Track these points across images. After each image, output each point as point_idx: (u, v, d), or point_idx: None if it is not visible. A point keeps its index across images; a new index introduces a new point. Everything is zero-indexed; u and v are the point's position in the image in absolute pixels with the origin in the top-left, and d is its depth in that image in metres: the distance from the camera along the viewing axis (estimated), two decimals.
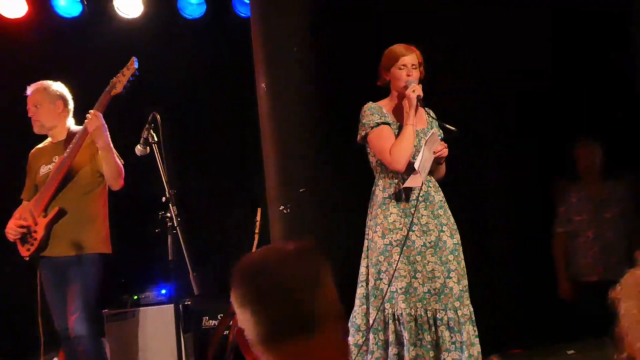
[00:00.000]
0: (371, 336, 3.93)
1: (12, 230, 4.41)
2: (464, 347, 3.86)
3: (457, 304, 3.88)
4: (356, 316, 3.99)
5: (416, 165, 3.84)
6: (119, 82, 4.30)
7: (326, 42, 5.01)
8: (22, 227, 4.39)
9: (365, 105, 4.10)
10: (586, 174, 5.49)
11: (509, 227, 5.76)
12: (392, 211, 3.96)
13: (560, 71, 5.75)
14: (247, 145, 5.29)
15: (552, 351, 4.40)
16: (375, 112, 4.06)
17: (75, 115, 4.59)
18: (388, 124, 4.03)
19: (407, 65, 4.00)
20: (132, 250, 5.37)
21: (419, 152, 3.88)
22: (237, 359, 4.79)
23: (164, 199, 3.80)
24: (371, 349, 3.93)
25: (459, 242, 3.99)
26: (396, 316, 3.88)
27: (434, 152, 3.91)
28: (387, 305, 3.90)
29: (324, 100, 4.80)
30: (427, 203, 3.97)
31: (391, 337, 3.89)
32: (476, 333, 3.91)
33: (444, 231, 3.96)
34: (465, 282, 3.95)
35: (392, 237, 3.92)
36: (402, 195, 3.97)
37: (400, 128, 3.99)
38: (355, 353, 3.95)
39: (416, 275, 3.89)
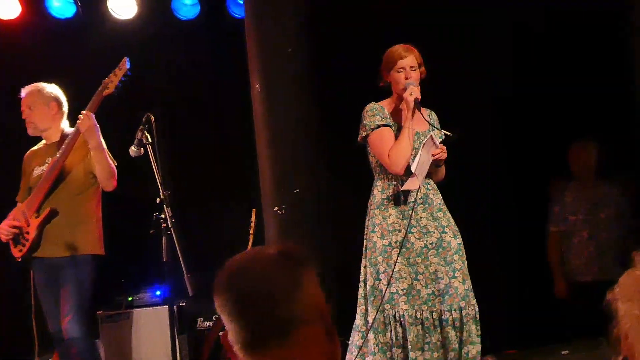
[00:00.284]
0: (371, 336, 3.93)
1: (4, 230, 4.40)
2: (462, 344, 3.88)
3: (462, 303, 3.90)
4: (356, 316, 4.00)
5: (412, 168, 3.85)
6: (111, 83, 4.30)
7: (320, 42, 5.01)
8: (14, 227, 4.38)
9: (368, 106, 4.10)
10: (581, 174, 5.50)
11: (502, 227, 5.76)
12: (390, 212, 3.97)
13: (557, 71, 5.76)
14: (242, 146, 5.28)
15: (546, 351, 4.42)
16: (376, 113, 4.06)
17: (69, 117, 4.58)
18: (389, 125, 4.03)
19: (406, 68, 4.00)
20: (127, 251, 5.36)
21: (418, 154, 3.89)
22: None
23: (158, 200, 3.80)
24: (372, 350, 3.94)
25: (462, 242, 4.00)
26: (397, 317, 3.89)
27: (432, 154, 3.91)
28: (387, 307, 3.90)
29: (318, 101, 4.80)
30: (426, 205, 3.99)
31: (392, 339, 3.90)
32: (478, 332, 3.93)
33: (446, 232, 3.97)
34: (469, 281, 3.96)
35: (391, 239, 3.93)
36: (400, 197, 3.97)
37: (400, 130, 4.00)
38: (355, 354, 3.96)
39: (418, 277, 3.90)
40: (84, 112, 4.28)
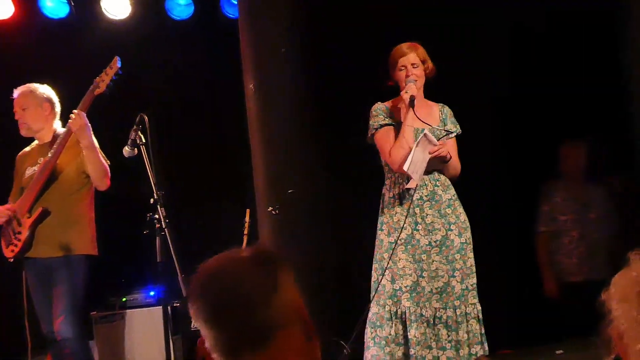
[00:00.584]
0: (367, 330, 3.95)
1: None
2: (460, 345, 3.89)
3: (457, 302, 3.92)
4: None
5: (405, 167, 3.86)
6: (102, 82, 4.29)
7: (314, 42, 5.00)
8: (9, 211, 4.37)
9: (374, 106, 4.17)
10: (571, 174, 5.52)
11: (499, 227, 5.77)
12: (397, 210, 4.01)
13: (553, 71, 5.78)
14: (236, 146, 5.28)
15: (540, 351, 4.42)
16: (380, 113, 4.12)
17: (62, 117, 4.57)
18: (392, 124, 4.07)
19: (407, 65, 4.05)
20: (121, 252, 5.35)
21: (411, 153, 3.90)
22: None
23: (152, 200, 3.79)
24: (367, 344, 3.96)
25: (469, 240, 4.01)
26: (399, 314, 3.90)
27: (430, 152, 3.92)
28: (389, 302, 3.93)
29: (312, 101, 4.80)
30: (433, 202, 4.00)
31: (392, 335, 3.90)
32: (482, 331, 3.94)
33: (451, 230, 3.99)
34: (471, 280, 3.98)
35: (396, 236, 3.96)
36: (405, 195, 4.01)
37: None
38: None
39: (423, 274, 3.93)
40: (75, 111, 4.27)
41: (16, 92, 4.51)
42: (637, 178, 5.43)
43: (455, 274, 3.95)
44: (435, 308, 3.92)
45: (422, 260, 3.94)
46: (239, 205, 5.28)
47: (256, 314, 1.42)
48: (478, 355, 3.91)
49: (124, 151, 3.93)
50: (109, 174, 4.37)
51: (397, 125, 4.07)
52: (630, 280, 1.42)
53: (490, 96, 5.78)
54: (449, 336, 3.90)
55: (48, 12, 5.75)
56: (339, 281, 5.23)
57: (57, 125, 4.55)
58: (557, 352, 4.75)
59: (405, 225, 3.96)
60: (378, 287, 3.97)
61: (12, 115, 4.53)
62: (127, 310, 5.29)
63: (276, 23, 4.63)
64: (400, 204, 4.01)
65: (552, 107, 5.84)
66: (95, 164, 4.30)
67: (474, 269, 4.00)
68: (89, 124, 4.27)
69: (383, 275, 3.96)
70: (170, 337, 3.94)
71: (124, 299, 5.35)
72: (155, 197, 3.78)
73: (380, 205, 4.12)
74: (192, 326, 5.32)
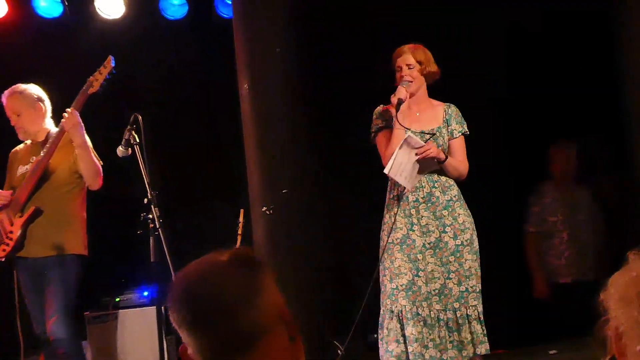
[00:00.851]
0: (379, 331, 4.01)
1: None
2: (463, 346, 3.90)
3: (456, 305, 3.93)
4: None
5: (385, 170, 3.89)
6: (96, 81, 4.28)
7: (309, 42, 5.00)
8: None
9: (375, 109, 4.18)
10: (560, 175, 5.54)
11: (493, 227, 5.78)
12: (395, 211, 4.02)
13: (549, 72, 5.79)
14: (230, 146, 5.27)
15: (534, 351, 4.43)
16: (378, 116, 4.15)
17: (55, 116, 4.55)
18: (390, 128, 4.07)
19: (402, 66, 4.05)
20: (114, 252, 5.34)
21: (394, 155, 3.92)
22: None
23: (145, 200, 3.79)
24: (379, 345, 4.01)
25: (466, 242, 3.98)
26: (396, 312, 3.92)
27: (416, 154, 3.92)
28: (387, 301, 3.96)
29: (306, 101, 4.80)
30: (429, 204, 4.00)
31: (385, 333, 3.92)
32: (484, 332, 3.95)
33: (446, 232, 3.98)
34: (471, 282, 3.96)
35: (393, 236, 3.98)
36: (403, 196, 4.01)
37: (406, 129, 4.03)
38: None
39: (419, 274, 3.93)
40: (68, 110, 4.26)
41: (4, 98, 4.46)
42: (630, 178, 5.45)
43: (451, 276, 3.95)
44: (437, 310, 3.93)
45: (418, 260, 3.94)
46: (233, 205, 5.28)
47: (240, 318, 1.39)
48: (476, 355, 3.92)
49: (117, 151, 3.92)
50: (102, 173, 4.35)
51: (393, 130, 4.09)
52: (630, 281, 1.41)
53: (486, 97, 5.79)
54: (450, 337, 3.92)
55: (42, 11, 5.73)
56: (334, 281, 5.23)
57: (50, 124, 4.53)
58: (551, 352, 4.76)
59: (401, 225, 3.96)
60: (381, 287, 4.01)
61: (5, 113, 4.50)
62: (121, 310, 5.27)
63: (270, 23, 4.63)
64: (398, 204, 4.02)
65: (548, 107, 5.85)
66: (87, 163, 4.29)
67: (473, 270, 3.97)
68: (82, 123, 4.26)
69: (385, 275, 3.99)
70: (163, 337, 3.93)
71: (117, 299, 5.34)
72: (149, 197, 3.78)
73: (385, 206, 4.15)
74: None
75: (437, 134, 4.07)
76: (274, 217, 4.52)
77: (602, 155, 5.75)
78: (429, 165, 4.00)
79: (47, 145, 4.32)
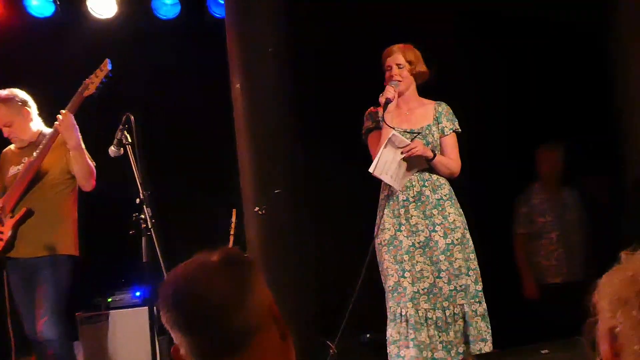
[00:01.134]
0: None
1: None
2: (451, 346, 3.91)
3: (445, 303, 3.93)
4: None
5: (370, 169, 3.90)
6: (92, 83, 4.27)
7: (301, 42, 5.00)
8: None
9: (367, 111, 4.19)
10: (548, 177, 5.56)
11: (485, 228, 5.79)
12: (385, 212, 4.03)
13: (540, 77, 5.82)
14: (222, 146, 5.26)
15: (526, 351, 4.43)
16: (369, 117, 4.17)
17: (48, 117, 4.54)
18: (379, 128, 4.07)
19: (392, 66, 4.06)
20: (106, 252, 5.33)
21: (378, 154, 3.93)
22: None
23: (138, 200, 3.78)
24: None
25: (456, 241, 3.99)
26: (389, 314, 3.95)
27: (402, 152, 3.93)
28: (386, 303, 3.99)
29: (299, 101, 4.80)
30: (419, 203, 4.01)
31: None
32: (481, 330, 3.96)
33: (436, 231, 3.98)
34: (461, 281, 3.97)
35: (382, 237, 3.99)
36: (392, 196, 4.01)
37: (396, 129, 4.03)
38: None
39: (404, 275, 3.94)
40: (62, 112, 4.25)
41: None
42: (620, 179, 5.47)
43: (441, 275, 3.95)
44: (425, 309, 3.93)
45: (404, 261, 3.95)
46: (226, 205, 5.27)
47: (231, 318, 1.40)
48: (465, 355, 3.93)
49: (109, 151, 3.91)
50: (95, 174, 4.35)
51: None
52: (627, 280, 1.41)
53: (478, 97, 5.81)
54: (439, 337, 3.92)
55: (33, 10, 5.71)
56: (326, 281, 5.23)
57: (39, 124, 4.51)
58: (543, 351, 4.76)
59: (389, 226, 3.97)
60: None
61: None
62: (113, 311, 5.26)
63: (263, 23, 4.62)
64: (388, 205, 4.03)
65: (539, 108, 5.87)
66: (82, 165, 4.28)
67: (463, 269, 3.98)
68: (77, 125, 4.25)
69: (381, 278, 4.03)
70: (155, 337, 3.92)
71: (109, 300, 5.32)
72: (141, 197, 3.77)
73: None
74: None
75: (427, 132, 4.08)
76: (267, 217, 4.51)
77: (590, 156, 5.78)
78: (417, 164, 4.00)
79: (40, 147, 4.31)
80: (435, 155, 4.00)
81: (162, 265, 3.66)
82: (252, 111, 4.62)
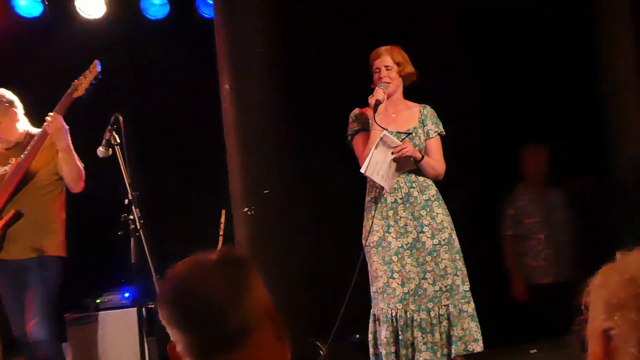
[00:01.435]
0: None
1: None
2: (436, 347, 3.91)
3: (430, 305, 3.94)
4: None
5: (362, 169, 3.91)
6: (81, 85, 4.25)
7: (290, 42, 5.00)
8: None
9: (351, 112, 4.20)
10: (533, 178, 5.58)
11: (476, 228, 5.80)
12: (372, 214, 4.02)
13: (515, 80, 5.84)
14: (211, 147, 5.25)
15: (515, 351, 4.44)
16: (354, 119, 4.18)
17: (35, 117, 4.52)
18: (365, 130, 4.08)
19: (380, 68, 4.08)
20: (95, 253, 5.31)
21: (369, 155, 3.94)
22: None
23: (126, 201, 3.77)
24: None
25: (443, 242, 4.00)
26: (376, 316, 3.94)
27: (392, 153, 3.94)
28: (373, 305, 4.01)
29: (288, 102, 4.79)
30: (407, 204, 4.02)
31: (370, 336, 3.96)
32: (454, 333, 3.95)
33: (423, 232, 3.99)
34: (445, 282, 3.98)
35: (370, 239, 3.99)
36: (381, 198, 4.01)
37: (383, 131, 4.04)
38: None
39: (393, 276, 3.94)
40: (51, 114, 4.23)
41: None
42: (607, 179, 5.49)
43: (426, 276, 3.96)
44: (412, 310, 3.94)
45: (393, 262, 3.96)
46: (215, 206, 5.26)
47: (228, 317, 1.42)
48: (453, 355, 3.93)
49: (98, 151, 3.90)
50: (84, 176, 4.33)
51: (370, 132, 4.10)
52: (625, 282, 1.40)
53: (466, 99, 5.82)
54: (423, 338, 3.92)
55: (21, 10, 5.68)
56: (316, 281, 5.23)
57: (26, 124, 4.48)
58: (532, 351, 4.77)
59: (377, 228, 3.97)
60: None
61: None
62: (101, 312, 5.24)
63: (252, 23, 4.62)
64: (376, 207, 4.03)
65: (526, 110, 5.89)
66: (71, 166, 4.27)
67: (449, 269, 3.99)
68: (66, 127, 4.23)
69: (369, 280, 4.02)
70: (144, 338, 3.91)
71: (98, 301, 5.30)
72: (130, 197, 3.76)
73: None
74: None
75: (413, 134, 4.09)
76: (256, 217, 4.51)
77: (576, 157, 5.80)
78: (406, 165, 4.02)
79: (29, 148, 4.29)
80: (423, 156, 4.02)
81: (150, 266, 3.65)
82: (241, 111, 4.61)
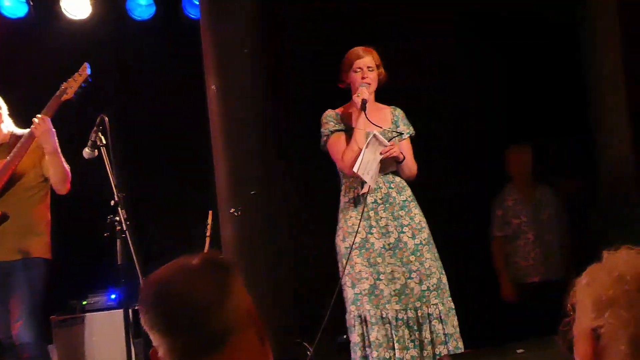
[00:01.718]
0: (350, 336, 4.04)
1: None
2: (423, 345, 3.92)
3: (417, 304, 3.95)
4: None
5: (355, 168, 3.91)
6: (70, 88, 4.23)
7: (276, 43, 5.00)
8: None
9: (324, 113, 4.20)
10: (519, 177, 5.60)
11: (468, 229, 5.82)
12: (351, 215, 4.03)
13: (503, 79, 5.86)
14: (198, 147, 5.24)
15: (501, 351, 4.45)
16: (330, 119, 4.16)
17: (21, 118, 4.49)
18: (342, 130, 4.09)
19: (363, 68, 4.07)
20: (81, 255, 5.29)
21: (361, 154, 3.93)
22: None
23: (112, 202, 3.76)
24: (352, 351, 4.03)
25: (424, 241, 4.02)
26: (363, 318, 3.93)
27: (381, 153, 3.95)
28: (352, 308, 3.97)
29: (274, 102, 4.80)
30: (387, 205, 4.02)
31: (358, 339, 3.94)
32: (446, 331, 3.96)
33: (404, 232, 4.00)
34: (432, 281, 3.99)
35: (351, 240, 3.96)
36: (360, 199, 4.00)
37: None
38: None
39: (380, 277, 3.95)
40: (39, 116, 4.20)
41: None
42: (594, 179, 5.52)
43: (412, 276, 3.98)
44: (396, 310, 3.94)
45: (378, 263, 3.97)
46: (201, 207, 5.25)
47: (210, 320, 1.43)
48: (442, 355, 3.94)
49: (84, 153, 3.89)
50: (70, 178, 4.32)
51: (349, 131, 4.11)
52: (614, 280, 1.40)
53: (451, 98, 5.83)
54: (410, 336, 3.93)
55: (6, 11, 5.65)
56: (302, 282, 5.23)
57: (10, 124, 4.45)
58: (518, 351, 4.78)
59: (359, 229, 3.97)
60: (344, 293, 4.03)
61: None
62: (88, 314, 5.21)
63: (238, 24, 4.61)
64: (355, 208, 4.03)
65: (514, 110, 5.91)
66: (57, 169, 4.25)
67: (434, 269, 4.01)
68: (54, 129, 4.21)
69: (345, 282, 4.00)
70: (131, 340, 3.90)
71: (84, 302, 5.28)
72: (116, 199, 3.75)
73: (338, 211, 4.14)
74: None
75: (403, 134, 4.13)
76: (242, 218, 4.50)
77: (563, 156, 5.83)
78: (390, 165, 4.05)
79: (15, 150, 4.26)
80: (404, 157, 4.05)
81: (137, 267, 3.64)
82: (228, 112, 4.60)
